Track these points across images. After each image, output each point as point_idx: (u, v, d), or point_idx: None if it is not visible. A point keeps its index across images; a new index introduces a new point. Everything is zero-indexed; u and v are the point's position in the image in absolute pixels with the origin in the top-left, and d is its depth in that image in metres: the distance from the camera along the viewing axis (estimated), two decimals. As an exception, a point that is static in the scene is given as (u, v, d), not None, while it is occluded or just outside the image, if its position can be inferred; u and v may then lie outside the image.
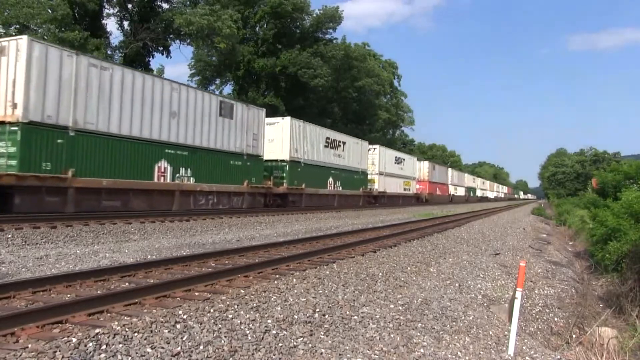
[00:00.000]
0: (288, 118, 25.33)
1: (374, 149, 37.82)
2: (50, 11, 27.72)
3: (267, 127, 23.73)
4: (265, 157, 23.49)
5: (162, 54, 38.25)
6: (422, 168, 50.85)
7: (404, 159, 44.60)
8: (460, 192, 69.00)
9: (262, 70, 46.19)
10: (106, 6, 35.55)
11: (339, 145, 30.81)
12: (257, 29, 48.65)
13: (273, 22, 46.67)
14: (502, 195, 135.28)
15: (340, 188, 30.72)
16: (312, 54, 46.87)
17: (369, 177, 36.55)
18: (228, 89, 51.86)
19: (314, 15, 49.50)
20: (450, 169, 65.34)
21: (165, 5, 37.13)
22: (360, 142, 34.69)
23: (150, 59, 38.04)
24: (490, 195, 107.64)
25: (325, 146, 28.77)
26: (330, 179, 29.43)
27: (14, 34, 25.10)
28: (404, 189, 44.26)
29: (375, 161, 37.40)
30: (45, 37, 25.88)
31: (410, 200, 46.29)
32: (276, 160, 24.51)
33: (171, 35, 37.13)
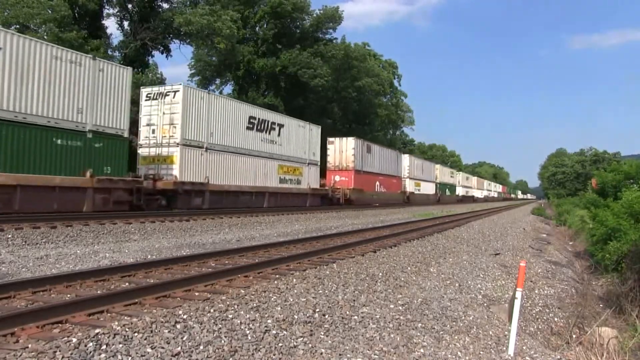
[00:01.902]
0: None
1: (175, 91, 18.94)
2: (50, 11, 27.73)
3: None
4: None
5: (162, 54, 38.33)
6: (344, 149, 32.00)
7: (281, 125, 25.38)
8: (427, 189, 50.05)
9: (262, 70, 46.18)
10: (106, 6, 35.60)
11: None
12: (257, 29, 48.64)
13: (273, 22, 46.65)
14: (496, 195, 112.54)
15: None
16: (312, 54, 46.84)
17: (160, 151, 18.84)
18: (228, 89, 51.92)
19: (314, 15, 49.48)
20: (407, 156, 45.53)
21: (165, 5, 37.22)
22: (73, 55, 14.62)
23: (150, 58, 38.12)
24: (478, 194, 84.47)
25: None
26: None
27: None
28: (282, 181, 25.43)
29: (176, 118, 18.78)
30: (46, 37, 25.87)
31: (300, 202, 27.16)
32: None
33: (171, 35, 37.16)
